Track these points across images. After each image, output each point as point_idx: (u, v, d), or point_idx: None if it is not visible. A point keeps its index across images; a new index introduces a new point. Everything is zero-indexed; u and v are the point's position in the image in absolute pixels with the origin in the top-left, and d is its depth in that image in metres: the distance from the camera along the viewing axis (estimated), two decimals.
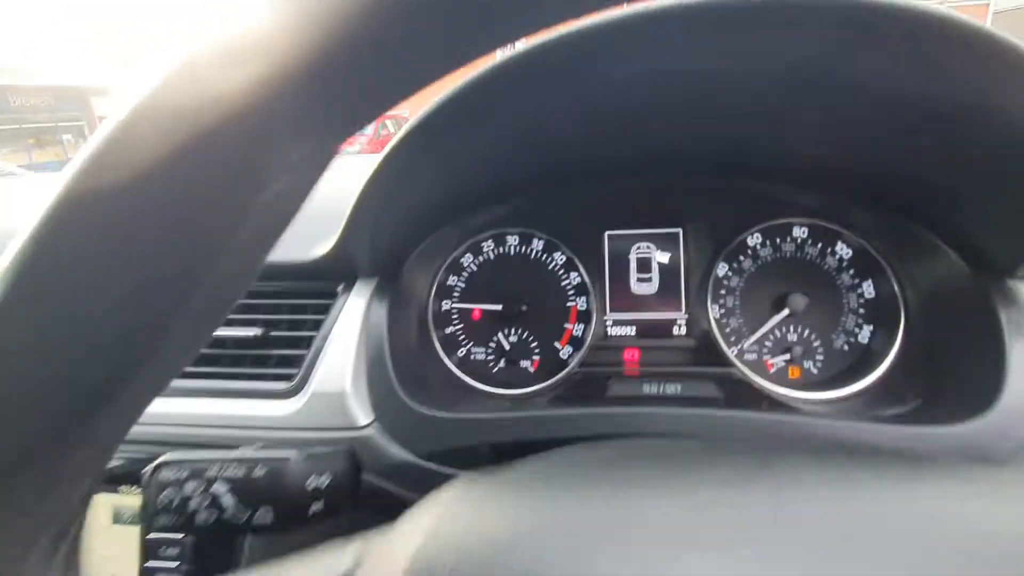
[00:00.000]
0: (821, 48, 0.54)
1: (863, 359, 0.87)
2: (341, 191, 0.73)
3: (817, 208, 0.89)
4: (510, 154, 0.79)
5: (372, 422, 0.75)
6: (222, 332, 0.83)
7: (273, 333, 0.84)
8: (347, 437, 0.74)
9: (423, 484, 0.74)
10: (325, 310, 0.83)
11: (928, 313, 0.81)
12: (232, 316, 0.85)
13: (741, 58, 0.57)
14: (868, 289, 0.88)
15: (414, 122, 0.62)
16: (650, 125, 0.75)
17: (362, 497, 0.62)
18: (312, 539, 0.47)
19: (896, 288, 0.85)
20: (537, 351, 0.97)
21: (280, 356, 0.83)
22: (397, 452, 0.74)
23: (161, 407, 0.80)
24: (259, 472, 0.51)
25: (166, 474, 0.51)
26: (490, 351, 0.98)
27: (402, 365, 0.79)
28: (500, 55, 0.55)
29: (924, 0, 0.48)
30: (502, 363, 0.97)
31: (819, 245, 0.90)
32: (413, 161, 0.67)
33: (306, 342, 0.81)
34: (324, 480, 0.54)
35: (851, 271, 0.89)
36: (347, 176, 0.73)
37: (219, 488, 0.51)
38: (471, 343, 0.98)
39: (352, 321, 0.80)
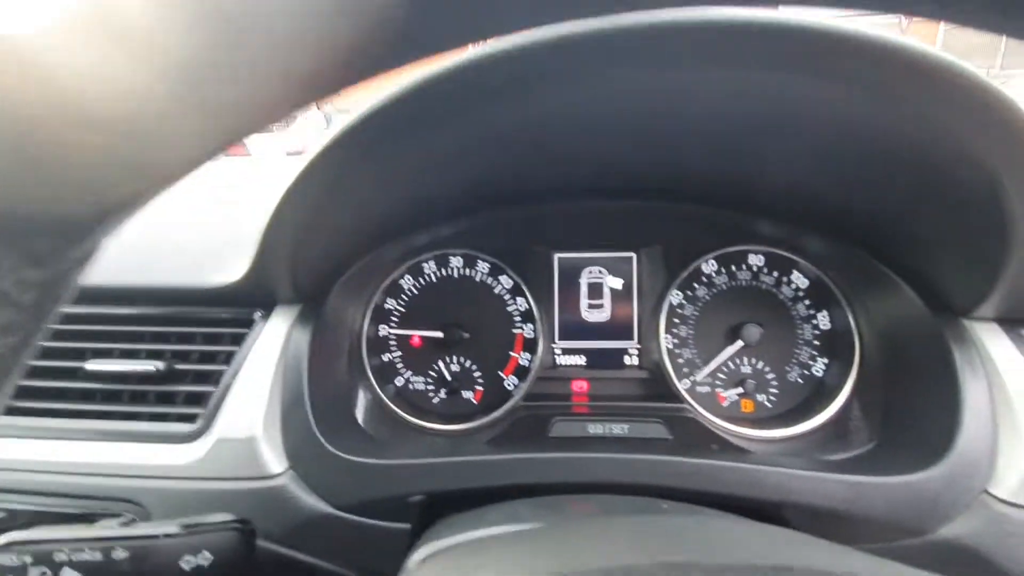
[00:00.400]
0: (776, 77, 0.50)
1: (817, 393, 0.84)
2: (266, 203, 0.65)
3: (773, 236, 0.86)
4: (452, 171, 0.72)
5: (286, 470, 0.67)
6: (119, 365, 0.74)
7: (179, 367, 0.75)
8: (255, 489, 0.66)
9: (338, 542, 0.67)
10: (239, 340, 0.74)
11: (883, 349, 0.78)
12: (130, 346, 0.76)
13: (694, 88, 0.53)
14: (823, 321, 0.85)
15: (341, 133, 0.54)
16: (598, 147, 0.69)
17: (259, 566, 0.54)
18: None
19: (851, 321, 0.82)
20: (481, 381, 0.91)
21: (184, 393, 0.73)
22: (314, 504, 0.66)
23: (41, 452, 0.70)
24: (119, 555, 0.43)
25: (5, 559, 0.43)
26: (430, 380, 0.91)
27: (324, 403, 0.71)
28: (436, 67, 0.48)
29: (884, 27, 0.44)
30: (443, 393, 0.90)
31: (775, 274, 0.87)
32: (340, 176, 0.59)
33: (215, 377, 0.72)
34: (204, 559, 0.46)
35: (806, 302, 0.86)
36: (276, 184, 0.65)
37: (69, 575, 0.42)
38: (410, 372, 0.91)
39: (268, 353, 0.72)
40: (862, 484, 0.62)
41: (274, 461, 0.67)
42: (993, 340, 0.66)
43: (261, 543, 0.58)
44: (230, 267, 0.75)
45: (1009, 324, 0.67)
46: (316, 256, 0.72)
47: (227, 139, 0.22)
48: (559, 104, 0.56)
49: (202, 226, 0.92)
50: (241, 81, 0.19)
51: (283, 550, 0.59)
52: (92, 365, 0.74)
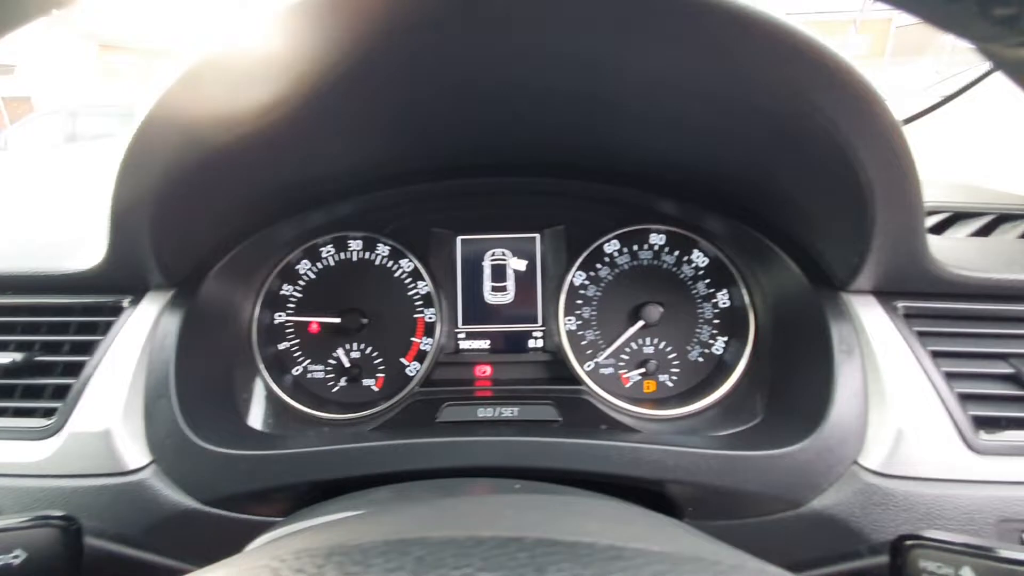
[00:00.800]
0: (645, 48, 0.49)
1: (717, 371, 0.84)
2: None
3: (673, 215, 0.85)
4: (325, 145, 0.69)
5: (148, 464, 0.63)
6: None
7: (41, 359, 0.70)
8: (112, 485, 0.62)
9: (205, 538, 0.64)
10: (105, 329, 0.70)
11: (773, 325, 0.78)
12: None
13: (561, 53, 0.51)
14: (723, 299, 0.85)
15: (156, 103, 0.49)
16: (489, 119, 0.67)
17: (91, 566, 0.51)
18: None
19: (746, 299, 0.82)
20: (382, 368, 0.88)
21: (49, 387, 0.69)
22: (177, 500, 0.62)
23: None
24: None
25: None
26: (330, 369, 0.88)
27: (196, 394, 0.67)
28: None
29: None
30: (343, 382, 0.87)
31: (676, 253, 0.86)
32: (183, 139, 0.54)
33: (76, 369, 0.68)
34: (13, 558, 0.43)
35: (707, 280, 0.86)
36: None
37: None
38: (307, 360, 0.87)
39: (133, 342, 0.68)
40: (737, 458, 0.62)
41: (134, 455, 0.63)
42: (868, 313, 0.66)
43: (96, 542, 0.55)
44: (93, 251, 0.70)
45: (885, 296, 0.67)
46: (185, 235, 0.68)
47: None
48: (444, 70, 0.54)
49: (68, 208, 0.86)
50: None
51: (122, 549, 0.56)
52: None
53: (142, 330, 0.68)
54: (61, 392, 0.68)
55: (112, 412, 0.64)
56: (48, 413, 0.67)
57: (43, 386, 0.69)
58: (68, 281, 0.72)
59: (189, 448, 0.63)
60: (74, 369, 0.68)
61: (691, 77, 0.51)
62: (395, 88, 0.58)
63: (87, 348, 0.69)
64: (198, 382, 0.69)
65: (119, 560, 0.57)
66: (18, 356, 0.68)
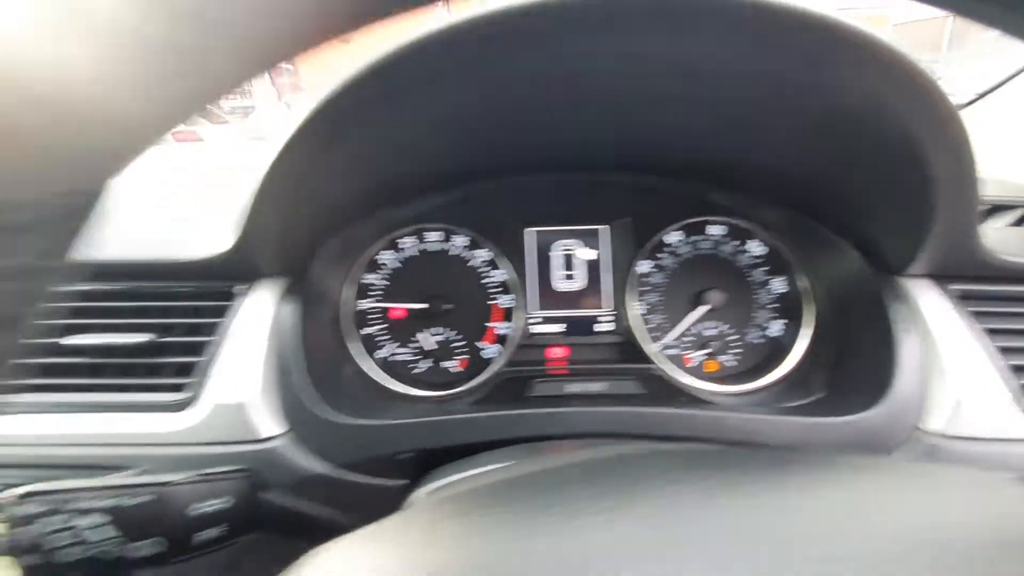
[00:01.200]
0: (706, 48, 0.54)
1: (775, 352, 0.91)
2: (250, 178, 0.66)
3: (732, 207, 0.92)
4: (426, 145, 0.75)
5: (284, 433, 0.70)
6: (106, 339, 0.74)
7: (165, 339, 0.76)
8: (250, 451, 0.68)
9: (339, 497, 0.70)
10: (222, 312, 0.76)
11: (832, 309, 0.85)
12: (118, 321, 0.76)
13: (641, 59, 0.57)
14: (779, 285, 0.92)
15: (318, 106, 0.56)
16: (560, 120, 0.74)
17: (263, 519, 0.57)
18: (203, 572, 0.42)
19: (804, 285, 0.89)
20: (462, 351, 0.95)
21: (173, 364, 0.75)
22: (311, 464, 0.69)
23: (34, 426, 0.71)
24: (133, 501, 0.46)
25: (27, 508, 0.45)
26: (413, 352, 0.94)
27: (318, 370, 0.74)
28: (402, 38, 0.51)
29: (828, 6, 0.49)
30: (426, 364, 0.94)
31: (734, 242, 0.93)
32: (322, 148, 0.62)
33: (201, 348, 0.74)
34: (214, 505, 0.49)
35: (764, 268, 0.93)
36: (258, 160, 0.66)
37: (88, 521, 0.45)
38: (393, 344, 0.94)
39: (256, 324, 0.74)
40: (814, 424, 0.69)
41: (268, 425, 0.69)
42: (925, 295, 0.73)
43: (265, 495, 0.61)
44: (210, 241, 0.76)
45: (939, 280, 0.74)
46: (302, 229, 0.75)
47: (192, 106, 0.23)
48: (523, 76, 0.60)
49: (176, 204, 0.93)
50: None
51: (286, 499, 0.62)
52: (79, 339, 0.75)
53: (264, 312, 0.74)
54: (187, 369, 0.74)
55: (245, 386, 0.70)
56: (177, 388, 0.73)
57: (170, 364, 0.75)
58: (183, 269, 0.78)
59: (322, 419, 0.70)
60: (199, 348, 0.75)
61: (779, 86, 0.58)
62: (500, 97, 0.65)
63: (211, 329, 0.76)
64: (316, 361, 0.75)
65: (286, 511, 0.63)
66: (149, 336, 0.75)
